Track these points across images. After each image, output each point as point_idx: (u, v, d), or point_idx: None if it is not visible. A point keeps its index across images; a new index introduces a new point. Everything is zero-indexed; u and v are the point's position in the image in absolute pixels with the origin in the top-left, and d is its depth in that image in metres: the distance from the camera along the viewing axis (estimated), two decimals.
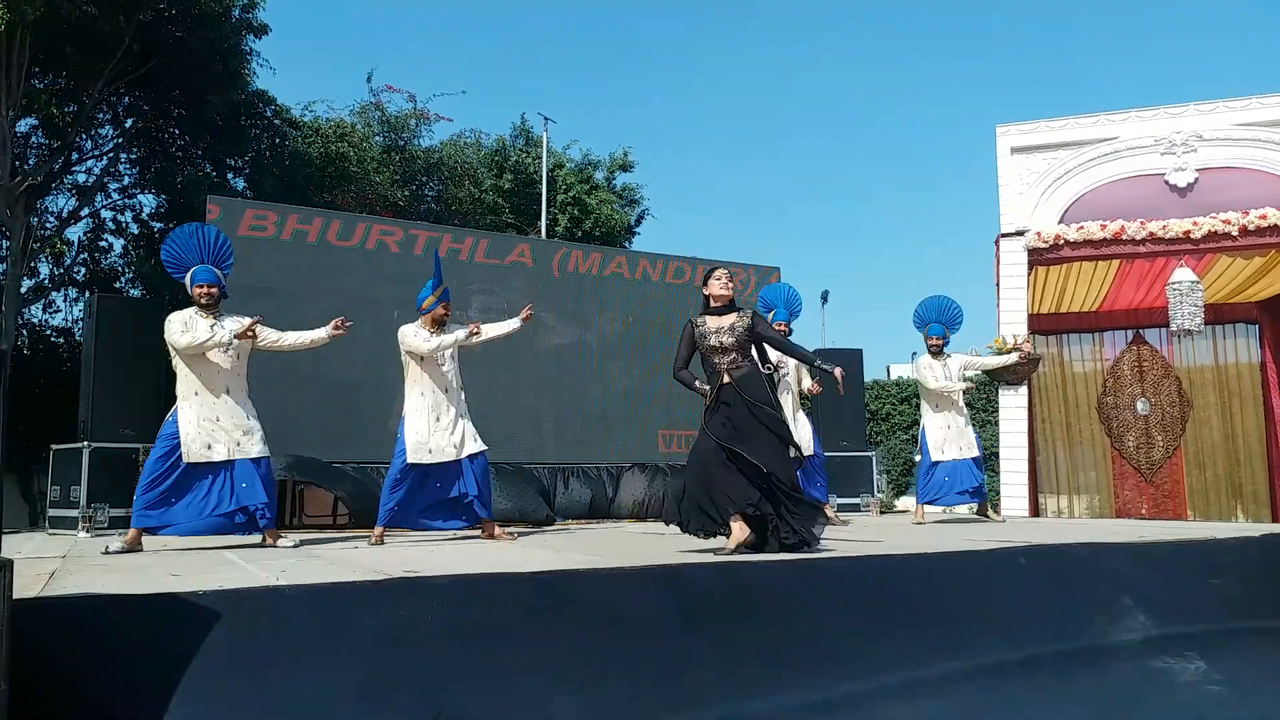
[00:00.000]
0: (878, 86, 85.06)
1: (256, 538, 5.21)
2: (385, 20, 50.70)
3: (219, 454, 4.97)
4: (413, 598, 3.12)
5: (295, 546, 4.99)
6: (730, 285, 4.81)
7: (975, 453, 7.33)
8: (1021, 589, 4.11)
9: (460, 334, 5.62)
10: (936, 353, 7.41)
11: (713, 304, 4.79)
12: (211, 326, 5.01)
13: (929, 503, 7.42)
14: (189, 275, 5.15)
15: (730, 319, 4.73)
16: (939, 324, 7.45)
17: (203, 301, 5.08)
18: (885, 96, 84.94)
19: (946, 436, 7.34)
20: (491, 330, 5.83)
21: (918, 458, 7.61)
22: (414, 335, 5.61)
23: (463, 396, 5.77)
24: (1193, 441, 10.89)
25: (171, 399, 5.11)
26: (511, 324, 5.90)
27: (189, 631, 2.68)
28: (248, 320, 5.11)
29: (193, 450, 4.92)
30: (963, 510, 8.10)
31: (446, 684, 2.88)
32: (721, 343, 4.67)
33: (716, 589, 3.60)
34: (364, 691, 2.76)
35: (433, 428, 5.55)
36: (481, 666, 2.96)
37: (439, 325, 5.73)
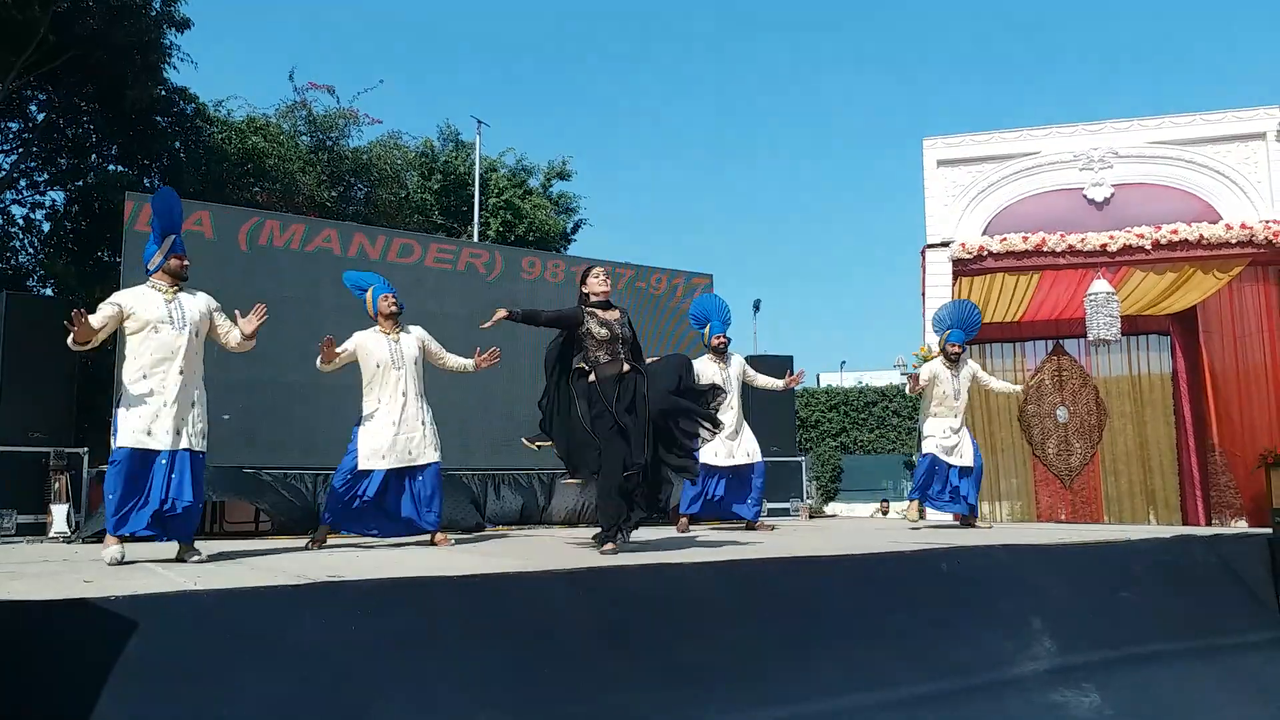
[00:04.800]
0: (809, 98, 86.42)
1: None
2: (313, 19, 49.89)
3: (159, 443, 4.37)
4: (336, 602, 3.05)
5: (202, 561, 4.39)
6: (608, 281, 5.07)
7: (968, 462, 7.16)
8: (938, 608, 4.16)
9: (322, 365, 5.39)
10: (954, 360, 7.19)
11: (593, 300, 5.01)
12: (167, 303, 4.53)
13: (922, 500, 7.22)
14: (170, 243, 4.60)
15: (616, 313, 5.00)
16: (960, 330, 7.25)
17: (183, 274, 4.64)
18: (816, 108, 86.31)
19: (944, 442, 7.12)
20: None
21: (916, 457, 7.41)
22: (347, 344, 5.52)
23: (423, 404, 5.62)
24: (1109, 449, 11.25)
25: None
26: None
27: (101, 639, 2.58)
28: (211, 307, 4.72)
29: (132, 437, 4.34)
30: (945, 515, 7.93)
31: (369, 694, 2.81)
32: (618, 333, 4.90)
33: (640, 597, 3.59)
34: (284, 700, 2.69)
35: (388, 434, 5.41)
36: (405, 675, 2.90)
37: (393, 321, 5.63)
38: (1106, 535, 5.63)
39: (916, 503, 7.26)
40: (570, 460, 5.13)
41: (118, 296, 4.58)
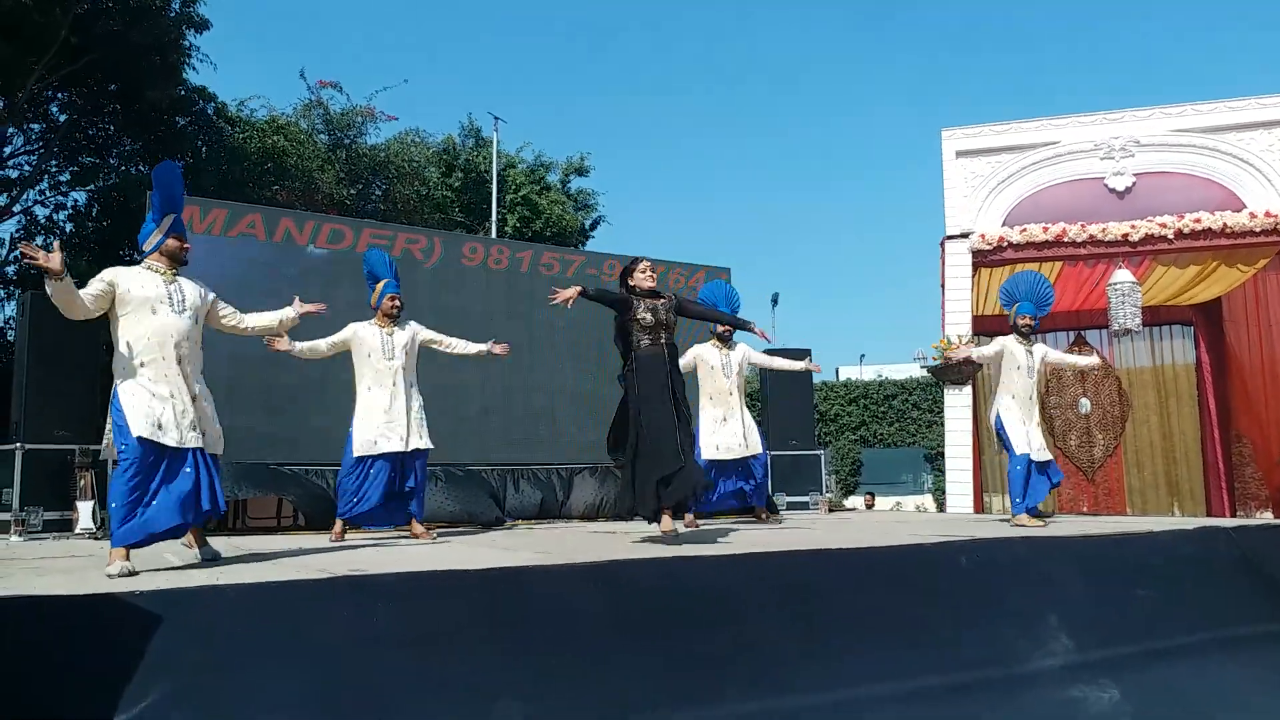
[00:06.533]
0: (829, 89, 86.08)
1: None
2: (333, 16, 50.11)
3: (169, 438, 3.94)
4: (358, 597, 3.07)
5: (212, 559, 4.14)
6: (653, 275, 5.25)
7: (1045, 456, 6.52)
8: (955, 601, 4.14)
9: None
10: (1027, 334, 6.60)
11: (640, 291, 5.19)
12: (166, 284, 4.12)
13: (1032, 510, 6.32)
14: (170, 222, 4.22)
15: (663, 300, 5.20)
16: (1030, 302, 6.68)
17: (183, 258, 4.26)
18: (835, 99, 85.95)
19: (1029, 431, 6.48)
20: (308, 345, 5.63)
21: (1001, 453, 6.66)
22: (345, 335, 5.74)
23: (414, 394, 5.75)
24: (1132, 440, 11.15)
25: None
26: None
27: (126, 634, 2.61)
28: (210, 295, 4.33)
29: (140, 425, 3.89)
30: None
31: (391, 684, 2.84)
32: (661, 319, 5.09)
33: (658, 589, 3.60)
34: (307, 693, 2.71)
35: (379, 420, 5.56)
36: (426, 668, 2.92)
37: (391, 319, 5.74)
38: (1128, 527, 5.59)
39: (1027, 515, 6.24)
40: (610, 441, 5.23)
41: (110, 273, 4.08)
